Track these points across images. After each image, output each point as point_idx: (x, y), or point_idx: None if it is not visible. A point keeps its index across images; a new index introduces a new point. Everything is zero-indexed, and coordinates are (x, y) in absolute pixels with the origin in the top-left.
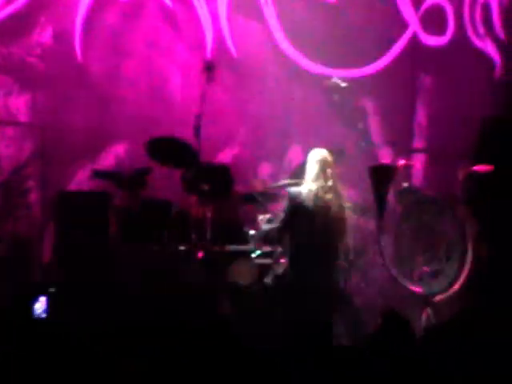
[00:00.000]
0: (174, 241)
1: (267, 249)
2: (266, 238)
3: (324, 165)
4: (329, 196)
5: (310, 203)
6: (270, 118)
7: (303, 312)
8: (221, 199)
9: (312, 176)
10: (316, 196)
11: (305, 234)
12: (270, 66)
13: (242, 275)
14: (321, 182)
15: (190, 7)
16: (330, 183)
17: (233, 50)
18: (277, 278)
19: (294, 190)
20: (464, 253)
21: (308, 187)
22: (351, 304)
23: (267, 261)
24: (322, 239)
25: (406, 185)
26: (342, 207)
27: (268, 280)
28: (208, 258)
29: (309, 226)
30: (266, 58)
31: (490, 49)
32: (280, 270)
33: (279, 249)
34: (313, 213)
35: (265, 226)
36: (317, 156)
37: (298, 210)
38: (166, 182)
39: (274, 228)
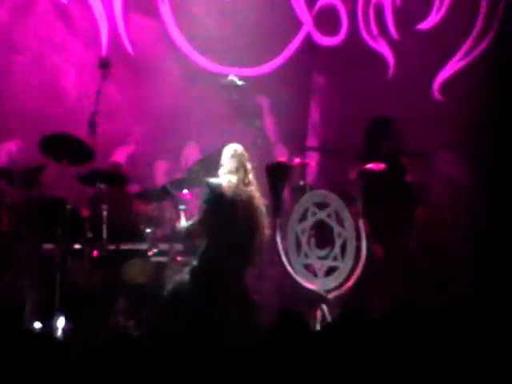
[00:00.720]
0: (69, 239)
1: (164, 247)
2: (187, 233)
3: (243, 158)
4: (250, 189)
5: (231, 195)
6: (166, 115)
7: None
8: (116, 197)
9: (231, 169)
10: (237, 188)
11: (226, 225)
12: (167, 63)
13: (138, 274)
14: (241, 175)
15: (85, 3)
16: (250, 176)
17: (129, 47)
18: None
19: (213, 181)
20: (358, 250)
21: (228, 179)
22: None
23: (164, 259)
24: (243, 230)
25: (301, 183)
26: (262, 200)
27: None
28: (103, 256)
29: (230, 216)
30: (163, 55)
31: (384, 49)
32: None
33: (175, 247)
34: (235, 204)
35: (183, 223)
36: (234, 150)
37: (218, 200)
38: (60, 180)
39: (195, 221)
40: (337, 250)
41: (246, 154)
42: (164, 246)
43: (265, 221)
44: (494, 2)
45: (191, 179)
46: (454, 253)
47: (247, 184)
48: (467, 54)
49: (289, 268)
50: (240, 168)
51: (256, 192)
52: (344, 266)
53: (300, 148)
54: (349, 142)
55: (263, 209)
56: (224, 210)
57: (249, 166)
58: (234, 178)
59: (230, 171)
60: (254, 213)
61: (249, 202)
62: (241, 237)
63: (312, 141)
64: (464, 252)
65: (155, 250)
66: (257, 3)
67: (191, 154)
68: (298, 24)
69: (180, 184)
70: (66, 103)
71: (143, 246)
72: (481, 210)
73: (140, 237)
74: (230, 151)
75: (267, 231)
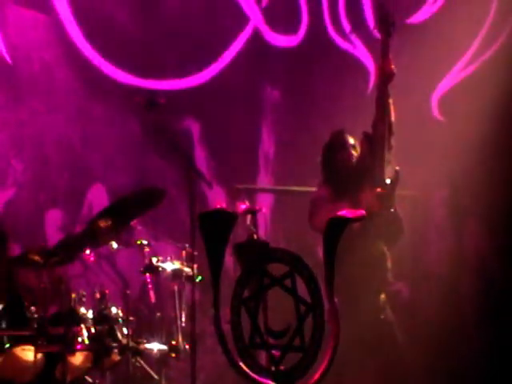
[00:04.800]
0: None
1: (58, 331)
2: None
3: None
4: None
5: None
6: (59, 145)
7: None
8: None
9: None
10: None
11: None
12: (60, 73)
13: (19, 372)
14: None
15: None
16: None
17: (5, 52)
18: None
19: None
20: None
21: None
22: None
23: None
24: None
25: (254, 236)
26: None
27: None
28: None
29: None
30: (55, 63)
31: (360, 51)
32: None
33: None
34: None
35: None
36: None
37: None
38: None
39: None
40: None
41: None
42: (56, 331)
43: None
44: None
45: (97, 233)
46: None
47: None
48: (472, 61)
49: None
50: None
51: None
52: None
53: (246, 189)
54: (313, 178)
55: None
56: None
57: None
58: None
59: None
60: None
61: None
62: None
63: (264, 179)
64: None
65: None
66: None
67: (97, 198)
68: (242, 19)
69: (81, 241)
70: None
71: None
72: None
73: (22, 319)
74: None
75: None
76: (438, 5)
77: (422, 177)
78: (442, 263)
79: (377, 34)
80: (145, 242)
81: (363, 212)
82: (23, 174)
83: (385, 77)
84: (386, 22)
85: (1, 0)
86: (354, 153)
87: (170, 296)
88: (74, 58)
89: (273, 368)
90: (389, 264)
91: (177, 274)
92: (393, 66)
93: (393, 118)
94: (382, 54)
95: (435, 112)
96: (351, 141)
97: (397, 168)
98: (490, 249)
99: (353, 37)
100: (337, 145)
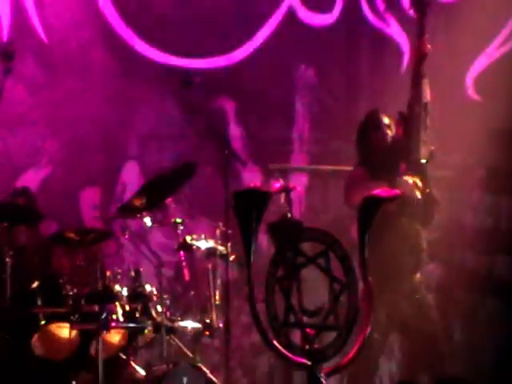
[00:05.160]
0: None
1: (93, 309)
2: None
3: None
4: None
5: None
6: (93, 125)
7: None
8: (25, 241)
9: None
10: None
11: None
12: (96, 54)
13: (55, 347)
14: None
15: None
16: None
17: (41, 31)
18: None
19: None
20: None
21: None
22: None
23: (91, 326)
24: None
25: (288, 215)
26: None
27: None
28: (8, 323)
29: None
30: (91, 43)
31: (394, 30)
32: None
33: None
34: None
35: None
36: None
37: None
38: None
39: None
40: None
41: None
42: (91, 309)
43: None
44: None
45: (135, 208)
46: None
47: None
48: (509, 39)
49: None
50: None
51: None
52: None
53: (281, 167)
54: (348, 159)
55: None
56: None
57: None
58: None
59: None
60: None
61: None
62: None
63: (298, 157)
64: None
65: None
66: None
67: (131, 177)
68: None
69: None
70: None
71: (62, 309)
72: None
73: (58, 296)
74: None
75: None
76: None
77: (457, 157)
78: (477, 245)
79: (411, 14)
80: (179, 220)
81: (398, 192)
82: (58, 153)
83: (420, 57)
84: (422, 1)
85: None
86: (389, 132)
87: (204, 274)
88: (110, 38)
89: (307, 347)
90: (424, 244)
91: (211, 252)
92: (429, 46)
93: (428, 98)
94: (418, 34)
95: (471, 91)
96: (386, 120)
97: (432, 148)
98: None
99: (387, 15)
100: (371, 124)
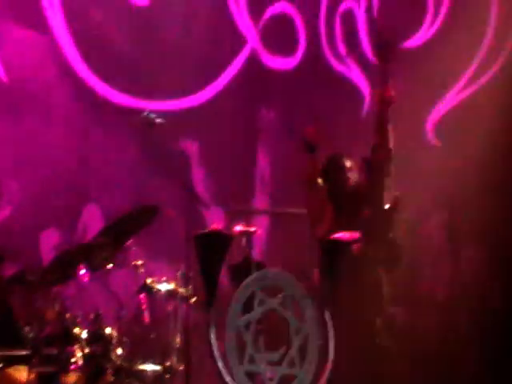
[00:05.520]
0: None
1: (52, 351)
2: None
3: None
4: None
5: None
6: (55, 166)
7: None
8: None
9: None
10: None
11: None
12: (56, 93)
13: None
14: None
15: None
16: None
17: (1, 70)
18: None
19: None
20: (324, 352)
21: None
22: None
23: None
24: None
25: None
26: None
27: None
28: None
29: None
30: (52, 83)
31: (355, 74)
32: None
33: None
34: None
35: None
36: None
37: None
38: None
39: None
40: (294, 352)
41: None
42: (51, 351)
43: None
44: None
45: (92, 252)
46: None
47: None
48: (469, 84)
49: (227, 378)
50: None
51: None
52: (303, 375)
53: (242, 211)
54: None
55: None
56: None
57: None
58: None
59: None
60: None
61: None
62: None
63: (260, 200)
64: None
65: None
66: (183, 14)
67: (92, 219)
68: (239, 40)
69: (76, 259)
70: None
71: (21, 352)
72: None
73: (17, 339)
74: None
75: None
76: (434, 29)
77: (419, 201)
78: (438, 288)
79: (375, 61)
80: (139, 263)
81: (358, 235)
82: (19, 194)
83: (384, 103)
84: (385, 48)
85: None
86: (352, 176)
87: (164, 317)
88: (72, 79)
89: None
90: (385, 289)
91: (172, 294)
92: (392, 93)
93: (392, 144)
94: (382, 80)
95: (431, 136)
96: (348, 164)
97: (396, 193)
98: (489, 274)
99: (348, 60)
100: (333, 168)
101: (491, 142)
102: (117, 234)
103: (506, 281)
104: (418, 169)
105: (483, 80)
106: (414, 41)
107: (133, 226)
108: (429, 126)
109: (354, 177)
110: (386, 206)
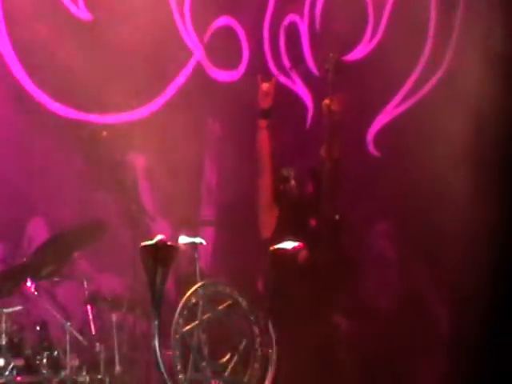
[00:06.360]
0: None
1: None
2: None
3: None
4: None
5: None
6: (2, 179)
7: None
8: None
9: None
10: None
11: None
12: (1, 107)
13: None
14: None
15: None
16: None
17: None
18: None
19: None
20: (266, 360)
21: None
22: None
23: None
24: None
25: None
26: None
27: None
28: None
29: None
30: None
31: (299, 88)
32: None
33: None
34: None
35: None
36: None
37: None
38: None
39: None
40: (237, 360)
41: None
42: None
43: None
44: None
45: (37, 265)
46: None
47: None
48: (407, 98)
49: None
50: None
51: None
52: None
53: (188, 221)
54: (252, 212)
55: None
56: None
57: None
58: None
59: None
60: None
61: None
62: None
63: (207, 210)
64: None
65: None
66: (130, 28)
67: (36, 232)
68: (185, 53)
69: (22, 273)
70: None
71: None
72: None
73: None
74: None
75: None
76: (375, 42)
77: (363, 211)
78: (381, 297)
79: (317, 73)
80: (85, 275)
81: (301, 245)
82: None
83: (331, 114)
84: (331, 61)
85: None
86: (296, 185)
87: (110, 327)
88: (16, 91)
89: None
90: (331, 299)
91: (118, 305)
92: (337, 105)
93: (338, 154)
94: (327, 92)
95: (371, 147)
96: (291, 173)
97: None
98: (431, 286)
99: (292, 73)
100: (279, 177)
101: (431, 153)
102: (61, 249)
103: (451, 294)
104: (361, 179)
105: (422, 92)
106: (356, 54)
107: (79, 242)
108: (369, 137)
109: (300, 187)
110: (336, 217)
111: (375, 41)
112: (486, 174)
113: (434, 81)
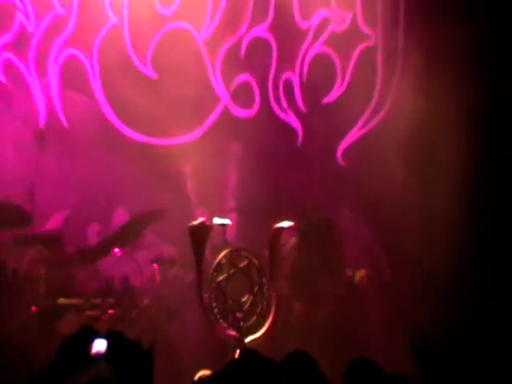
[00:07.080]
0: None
1: (97, 301)
2: None
3: None
4: None
5: None
6: (97, 182)
7: None
8: (53, 257)
9: None
10: None
11: None
12: (97, 136)
13: (72, 327)
14: None
15: (22, 81)
16: None
17: (63, 120)
18: None
19: None
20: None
21: None
22: None
23: (96, 312)
24: None
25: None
26: None
27: None
28: (41, 311)
29: None
30: (95, 128)
31: (293, 120)
32: None
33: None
34: None
35: None
36: None
37: None
38: None
39: None
40: (252, 299)
41: None
42: (97, 301)
43: None
44: (388, 78)
45: (122, 238)
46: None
47: None
48: (365, 124)
49: (211, 316)
50: None
51: None
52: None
53: (219, 208)
54: (262, 203)
55: None
56: None
57: None
58: None
59: None
60: None
61: None
62: None
63: (230, 202)
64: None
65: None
66: (180, 82)
67: (120, 216)
68: (216, 99)
69: (111, 242)
70: (2, 176)
71: (78, 301)
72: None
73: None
74: None
75: None
76: (343, 88)
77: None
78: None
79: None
80: (152, 244)
81: (295, 225)
82: (75, 201)
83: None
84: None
85: (61, 87)
86: None
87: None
88: (105, 127)
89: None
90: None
91: (173, 264)
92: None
93: None
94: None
95: (340, 158)
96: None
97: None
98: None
99: (288, 110)
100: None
101: (384, 160)
102: (136, 227)
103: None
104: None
105: (375, 122)
106: (330, 97)
107: (147, 223)
108: (339, 151)
109: None
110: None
111: (343, 87)
112: (425, 173)
113: (382, 114)
